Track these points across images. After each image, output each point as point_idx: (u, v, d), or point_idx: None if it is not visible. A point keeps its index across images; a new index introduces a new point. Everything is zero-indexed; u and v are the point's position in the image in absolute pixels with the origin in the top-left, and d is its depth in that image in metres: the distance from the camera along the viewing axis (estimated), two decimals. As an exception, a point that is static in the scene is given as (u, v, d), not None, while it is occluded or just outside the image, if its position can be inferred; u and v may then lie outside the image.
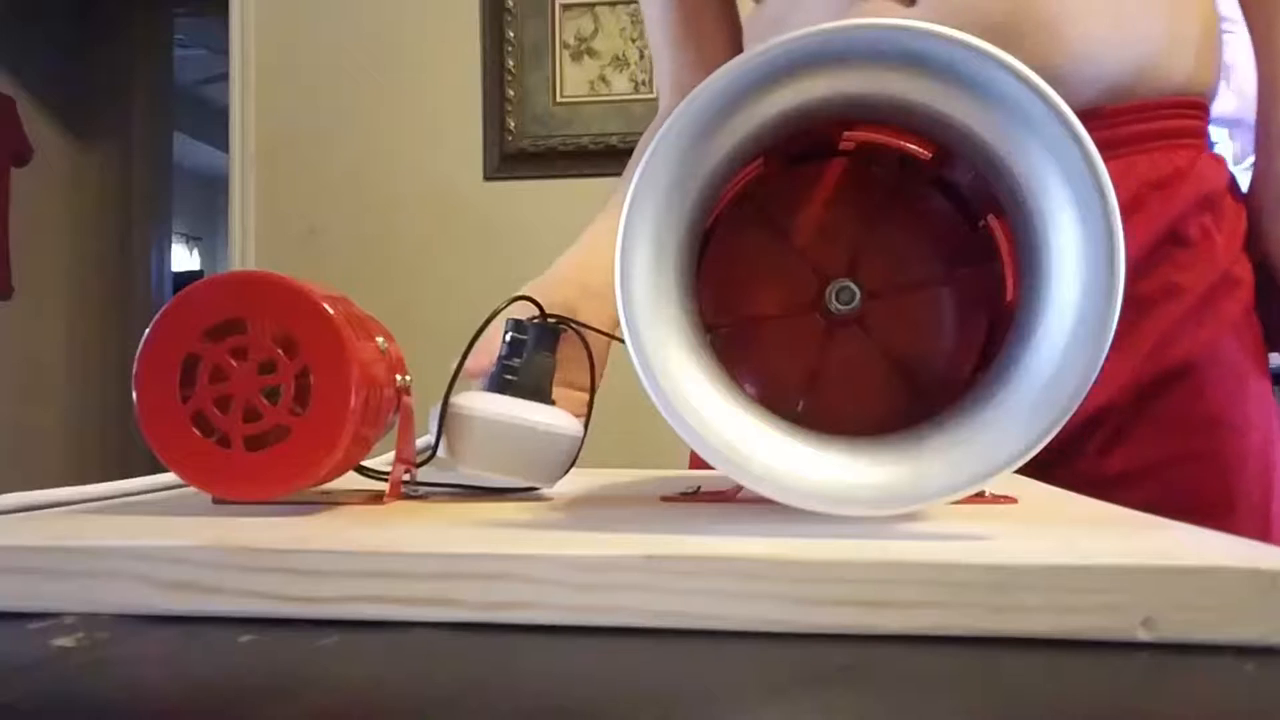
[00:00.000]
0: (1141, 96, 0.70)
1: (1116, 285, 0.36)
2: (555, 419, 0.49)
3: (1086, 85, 0.68)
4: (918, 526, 0.38)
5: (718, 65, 0.37)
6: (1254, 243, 0.74)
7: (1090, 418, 0.70)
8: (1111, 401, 0.69)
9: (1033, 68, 0.65)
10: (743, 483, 0.38)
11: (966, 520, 0.41)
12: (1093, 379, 0.37)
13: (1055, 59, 0.67)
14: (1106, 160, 0.69)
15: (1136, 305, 0.68)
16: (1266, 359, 0.74)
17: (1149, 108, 0.70)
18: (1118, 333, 0.68)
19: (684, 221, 0.39)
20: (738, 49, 0.88)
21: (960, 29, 0.65)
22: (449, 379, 0.50)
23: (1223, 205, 0.73)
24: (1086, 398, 0.68)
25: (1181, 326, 0.70)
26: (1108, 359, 0.67)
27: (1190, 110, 0.72)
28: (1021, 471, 0.69)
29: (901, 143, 0.48)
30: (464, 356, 0.53)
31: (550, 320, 0.53)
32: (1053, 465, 0.70)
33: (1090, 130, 0.68)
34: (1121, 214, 0.68)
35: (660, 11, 0.88)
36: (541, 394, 0.51)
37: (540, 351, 0.52)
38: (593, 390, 0.57)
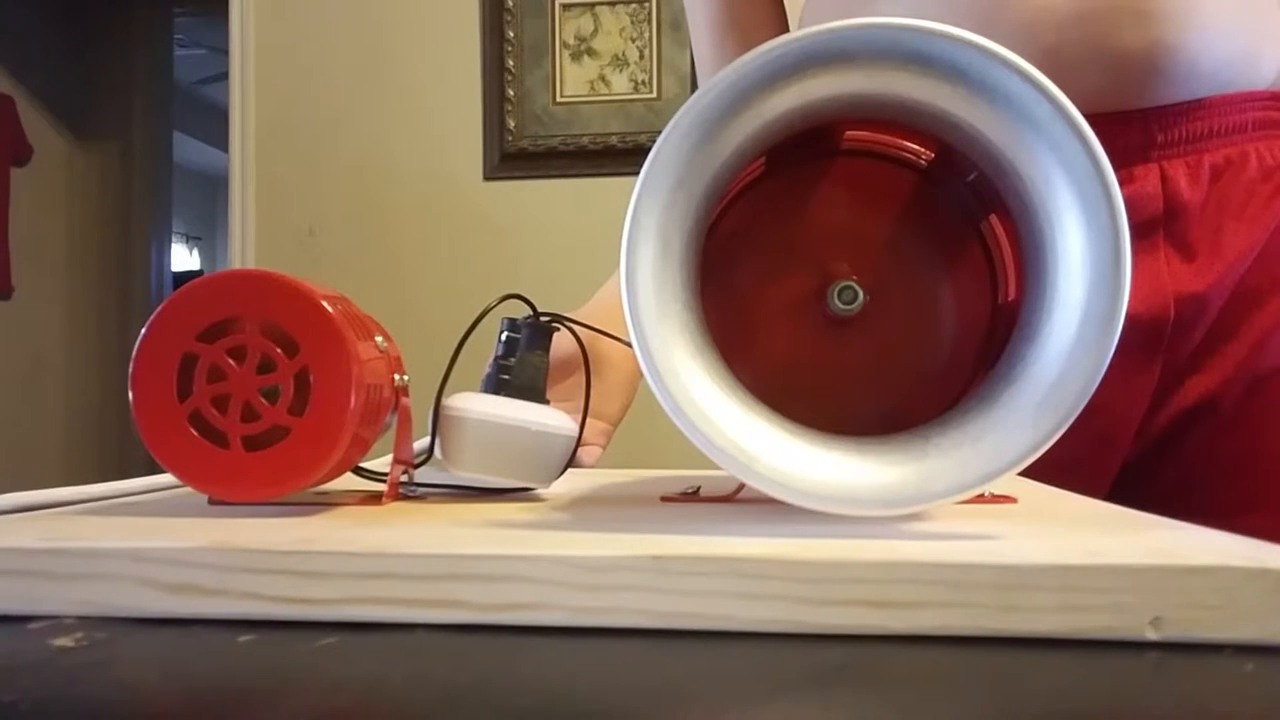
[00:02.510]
0: (1250, 86, 0.70)
1: (1123, 285, 0.36)
2: (548, 418, 0.49)
3: (1212, 71, 0.68)
4: (924, 526, 0.38)
5: None
6: None
7: (1195, 408, 0.70)
8: (1218, 391, 0.69)
9: (1173, 46, 0.64)
10: (749, 483, 0.38)
11: (972, 520, 0.40)
12: (1098, 379, 0.37)
13: (1193, 38, 0.66)
14: (1222, 148, 0.69)
15: (1248, 297, 0.69)
16: None
17: (1253, 98, 0.70)
18: (1230, 324, 0.69)
19: (688, 220, 0.39)
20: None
21: (1111, 8, 0.65)
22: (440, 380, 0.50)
23: None
24: (1190, 389, 0.69)
25: None
26: (1218, 350, 0.68)
27: (1277, 102, 0.72)
28: (1119, 479, 0.70)
29: (903, 142, 0.47)
30: (454, 357, 0.52)
31: (543, 318, 0.52)
32: (1151, 458, 0.71)
33: (1210, 116, 0.68)
34: (1239, 203, 0.69)
35: (706, 21, 0.87)
36: (535, 393, 0.51)
37: (533, 350, 0.52)
38: (588, 391, 0.57)
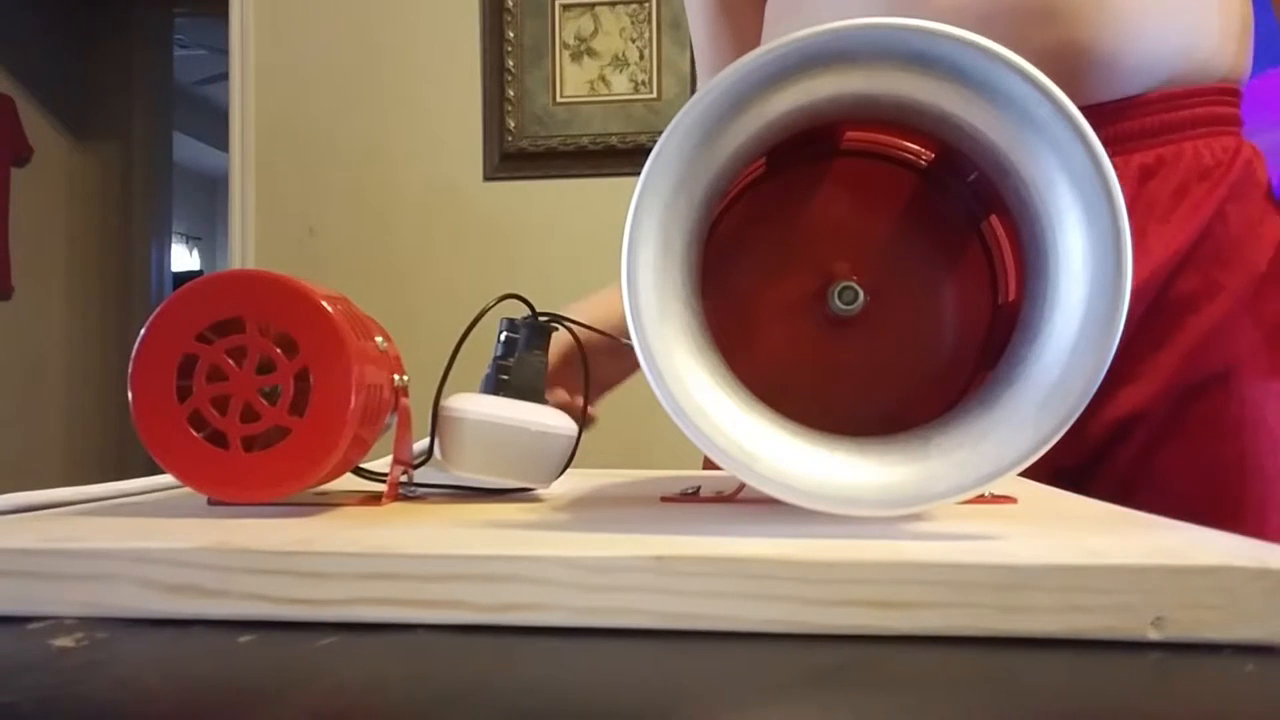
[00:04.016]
0: (1190, 82, 0.68)
1: (1124, 285, 0.36)
2: (547, 418, 0.49)
3: (1136, 70, 0.67)
4: (927, 527, 0.38)
5: None
6: None
7: (1128, 418, 0.68)
8: (1152, 402, 0.68)
9: (1086, 47, 0.63)
10: (751, 483, 0.38)
11: (974, 520, 0.40)
12: (1099, 379, 0.37)
13: (1108, 37, 0.65)
14: (1154, 147, 0.67)
15: (1179, 304, 0.67)
16: None
17: (1195, 93, 0.68)
18: (1160, 332, 0.68)
19: (689, 221, 0.39)
20: None
21: (1018, 9, 0.64)
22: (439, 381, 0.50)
23: (1265, 197, 0.70)
24: (1121, 399, 0.69)
25: (1222, 328, 0.68)
26: (1148, 359, 0.67)
27: (1230, 96, 0.71)
28: (1053, 483, 0.69)
29: (903, 143, 0.47)
30: (452, 357, 0.52)
31: (542, 318, 0.52)
32: (1088, 468, 0.70)
33: (1139, 116, 0.67)
34: (1166, 205, 0.67)
35: (700, 3, 0.88)
36: (534, 393, 0.51)
37: (532, 350, 0.51)
38: (586, 390, 0.56)
